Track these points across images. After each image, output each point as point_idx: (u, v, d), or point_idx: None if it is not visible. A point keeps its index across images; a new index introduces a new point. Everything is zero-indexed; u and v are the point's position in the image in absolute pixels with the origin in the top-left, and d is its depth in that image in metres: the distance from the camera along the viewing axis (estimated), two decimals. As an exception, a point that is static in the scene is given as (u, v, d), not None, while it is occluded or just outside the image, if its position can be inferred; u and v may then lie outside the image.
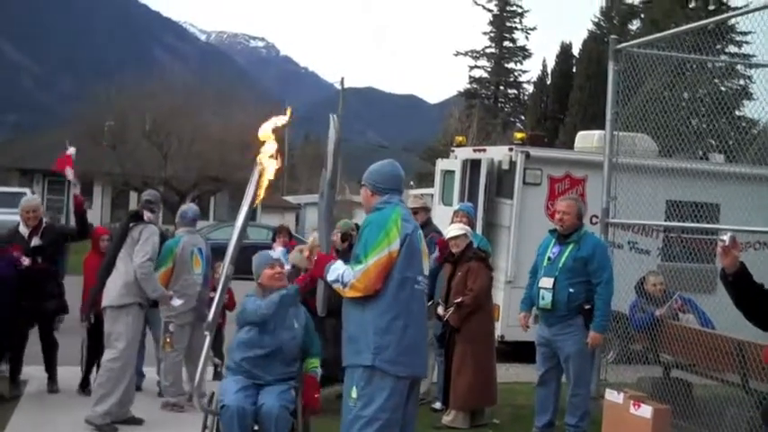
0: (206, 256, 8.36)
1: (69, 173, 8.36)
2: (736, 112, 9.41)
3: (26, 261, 8.25)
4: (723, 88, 11.14)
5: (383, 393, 4.55)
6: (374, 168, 4.91)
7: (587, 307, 7.26)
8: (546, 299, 7.34)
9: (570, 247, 7.36)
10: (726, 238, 4.95)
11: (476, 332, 7.89)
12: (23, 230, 8.49)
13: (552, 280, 7.29)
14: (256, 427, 5.49)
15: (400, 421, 4.64)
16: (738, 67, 12.93)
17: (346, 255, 8.89)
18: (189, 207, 8.76)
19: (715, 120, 8.75)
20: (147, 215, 7.84)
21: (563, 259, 7.34)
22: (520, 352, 11.46)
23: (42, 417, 7.77)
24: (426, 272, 4.84)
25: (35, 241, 8.49)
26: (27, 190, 25.90)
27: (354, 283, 4.61)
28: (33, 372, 8.86)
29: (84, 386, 8.54)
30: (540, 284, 7.42)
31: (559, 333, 7.33)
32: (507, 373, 9.95)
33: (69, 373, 8.73)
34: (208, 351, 5.38)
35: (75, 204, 8.63)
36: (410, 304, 4.64)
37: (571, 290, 7.24)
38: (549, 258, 7.45)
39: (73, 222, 9.34)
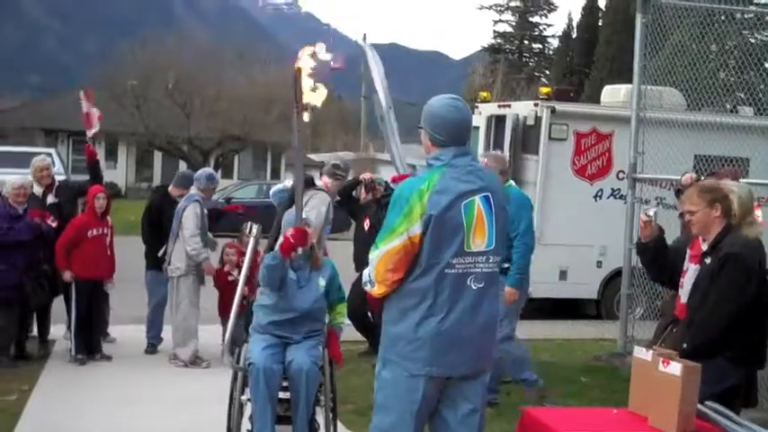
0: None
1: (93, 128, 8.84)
2: (766, 65, 9.20)
3: (54, 222, 8.18)
4: (753, 40, 10.87)
5: (392, 385, 3.85)
6: (432, 110, 3.90)
7: (506, 266, 6.82)
8: None
9: None
10: (652, 213, 5.35)
11: None
12: (37, 190, 8.44)
13: None
14: (285, 384, 5.36)
15: (421, 421, 3.86)
16: (768, 17, 12.61)
17: (362, 208, 8.85)
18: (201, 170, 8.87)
19: (744, 72, 8.59)
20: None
21: None
22: (544, 308, 11.48)
23: (70, 375, 7.85)
24: (482, 246, 3.80)
25: (50, 199, 8.51)
26: (52, 150, 25.96)
27: (376, 278, 3.82)
28: (62, 332, 8.94)
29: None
30: None
31: None
32: (532, 329, 9.90)
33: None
34: (238, 306, 5.35)
35: (88, 154, 8.91)
36: (438, 292, 3.73)
37: None
38: None
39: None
